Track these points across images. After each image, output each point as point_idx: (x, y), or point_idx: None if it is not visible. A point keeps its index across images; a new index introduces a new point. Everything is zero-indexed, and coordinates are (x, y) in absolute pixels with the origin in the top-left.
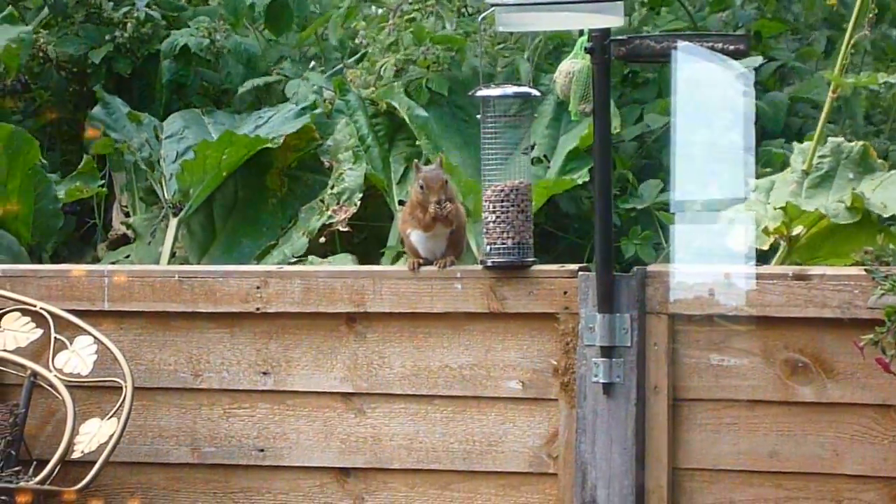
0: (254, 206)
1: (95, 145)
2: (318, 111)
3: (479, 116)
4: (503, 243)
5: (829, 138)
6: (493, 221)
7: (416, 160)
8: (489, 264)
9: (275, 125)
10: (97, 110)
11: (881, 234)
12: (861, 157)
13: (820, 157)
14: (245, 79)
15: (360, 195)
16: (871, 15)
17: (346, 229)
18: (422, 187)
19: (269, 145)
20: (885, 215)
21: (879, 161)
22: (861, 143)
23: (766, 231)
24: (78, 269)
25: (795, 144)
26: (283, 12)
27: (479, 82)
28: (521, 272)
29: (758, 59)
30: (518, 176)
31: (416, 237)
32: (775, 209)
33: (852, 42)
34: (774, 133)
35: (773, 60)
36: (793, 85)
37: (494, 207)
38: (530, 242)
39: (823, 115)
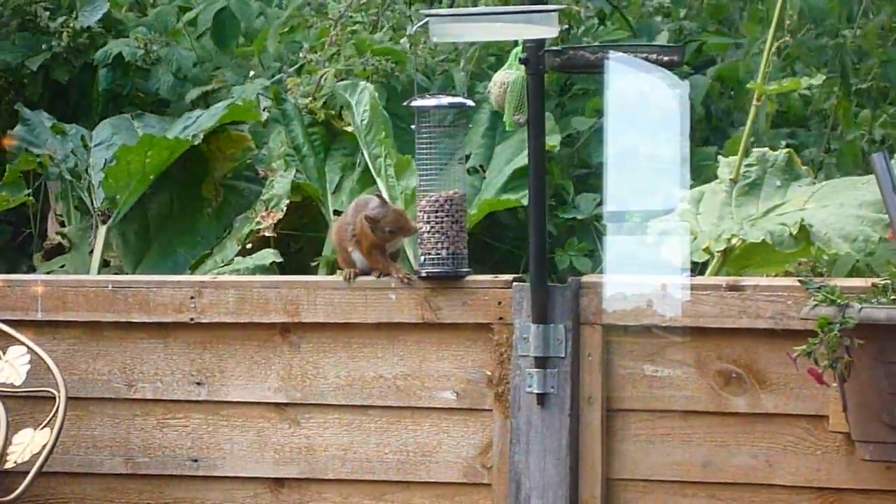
0: (189, 215)
1: (18, 162)
2: (238, 102)
3: (413, 127)
4: (437, 254)
5: (754, 149)
6: (428, 232)
7: (377, 191)
8: (423, 275)
9: (201, 123)
10: (18, 129)
11: (813, 246)
12: (786, 164)
13: (747, 166)
14: (174, 88)
15: (287, 201)
16: (788, 22)
17: (271, 234)
18: (391, 231)
19: (193, 143)
20: (830, 251)
21: (805, 168)
22: (785, 151)
23: (707, 251)
24: (11, 278)
25: (721, 158)
26: (228, 26)
27: (417, 91)
28: (456, 283)
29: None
30: (453, 186)
31: (358, 256)
32: (720, 237)
33: (774, 48)
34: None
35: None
36: (733, 99)
37: (429, 218)
38: (465, 253)
39: (748, 124)
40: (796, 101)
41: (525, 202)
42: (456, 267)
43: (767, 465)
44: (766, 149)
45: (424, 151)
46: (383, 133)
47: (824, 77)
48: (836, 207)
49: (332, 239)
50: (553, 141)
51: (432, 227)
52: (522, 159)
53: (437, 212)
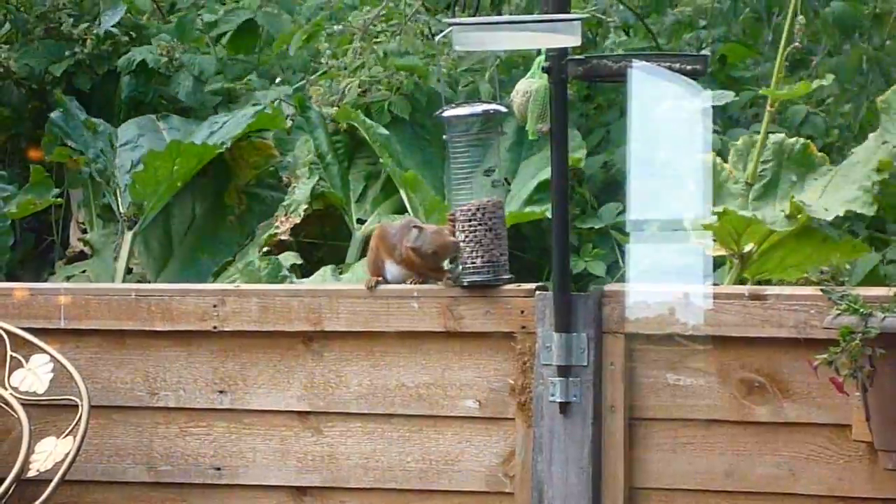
0: (212, 222)
1: (53, 153)
2: (266, 110)
3: (445, 137)
4: (472, 262)
5: (771, 135)
6: (463, 241)
7: (414, 222)
8: (464, 283)
9: (229, 129)
10: (56, 115)
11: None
12: (802, 153)
13: (763, 162)
14: (195, 93)
15: (306, 206)
16: (798, 27)
17: (287, 238)
18: (434, 253)
19: (220, 150)
20: (828, 219)
21: (820, 155)
22: (801, 139)
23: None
24: (34, 286)
25: (731, 145)
26: (248, 37)
27: (440, 103)
28: (479, 291)
29: (729, 94)
30: (484, 195)
31: (390, 266)
32: (713, 213)
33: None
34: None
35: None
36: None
37: (463, 227)
38: (503, 260)
39: (763, 127)
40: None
41: (549, 215)
42: (495, 274)
43: (790, 474)
44: (782, 135)
45: (458, 162)
46: (387, 156)
47: (833, 78)
48: (844, 193)
49: (372, 243)
50: (578, 154)
51: (467, 237)
52: (546, 173)
53: (470, 221)
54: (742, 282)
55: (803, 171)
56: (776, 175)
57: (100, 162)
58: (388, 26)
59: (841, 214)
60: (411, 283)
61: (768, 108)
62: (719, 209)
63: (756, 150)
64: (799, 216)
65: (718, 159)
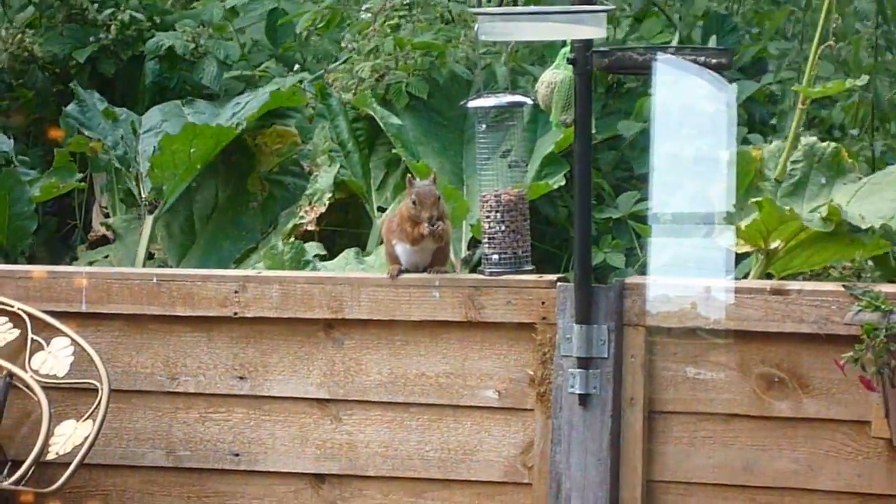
0: (235, 209)
1: (69, 143)
2: (282, 89)
3: (480, 126)
4: (495, 253)
5: (802, 138)
6: (486, 231)
7: (409, 175)
8: (487, 273)
9: (249, 110)
10: (72, 107)
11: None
12: (833, 158)
13: (793, 162)
14: (219, 79)
15: (330, 195)
16: (834, 25)
17: (313, 227)
18: (414, 203)
19: (237, 132)
20: (863, 227)
21: (850, 161)
22: (833, 144)
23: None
24: (55, 269)
25: (765, 146)
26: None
27: (458, 86)
28: (500, 282)
29: (754, 85)
30: (507, 179)
31: (401, 249)
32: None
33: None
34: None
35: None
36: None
37: (487, 216)
38: (525, 251)
39: (794, 124)
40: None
41: (556, 186)
42: (517, 265)
43: (809, 469)
44: (814, 139)
45: (480, 147)
46: (400, 145)
47: (868, 78)
48: (877, 201)
49: (382, 232)
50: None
51: (490, 227)
52: (549, 147)
53: (493, 211)
54: (767, 277)
55: (833, 174)
56: (805, 176)
57: (119, 149)
58: (406, 9)
59: (877, 227)
60: (433, 272)
61: (800, 105)
62: (757, 199)
63: (787, 147)
64: (835, 220)
65: (755, 153)
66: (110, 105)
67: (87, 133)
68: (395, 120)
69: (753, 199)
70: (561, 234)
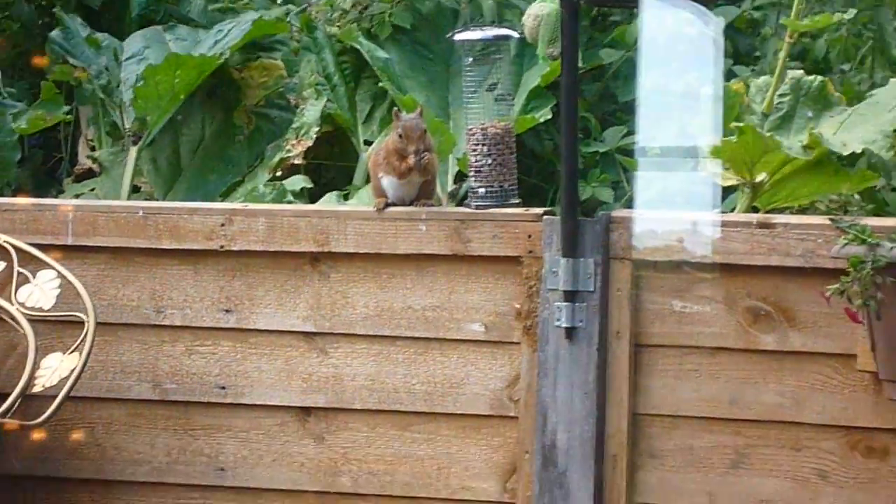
0: (221, 142)
1: (55, 72)
2: (265, 17)
3: (466, 60)
4: (481, 186)
5: (789, 72)
6: (472, 164)
7: (395, 108)
8: (473, 206)
9: (233, 37)
10: (55, 33)
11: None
12: (820, 92)
13: (780, 95)
14: (206, 12)
15: (317, 129)
16: None
17: (301, 161)
18: (400, 136)
19: (219, 62)
20: (845, 153)
21: (836, 94)
22: (820, 77)
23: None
24: (41, 202)
25: (752, 81)
26: None
27: (443, 18)
28: (487, 215)
29: (735, 11)
30: (493, 112)
31: (388, 182)
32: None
33: None
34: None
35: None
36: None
37: (474, 150)
38: (512, 184)
39: (781, 57)
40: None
41: (542, 120)
42: (503, 199)
43: (794, 402)
44: (801, 72)
45: (466, 80)
46: (387, 79)
47: (856, 12)
48: (861, 131)
49: (369, 166)
50: None
51: (476, 160)
52: (535, 80)
53: (480, 144)
54: (754, 211)
55: (819, 108)
56: (792, 109)
57: (103, 78)
58: None
59: (858, 151)
60: (419, 206)
61: (787, 38)
62: (739, 124)
63: (774, 81)
64: (816, 149)
65: (736, 87)
66: (93, 31)
67: (71, 61)
68: (381, 53)
69: (735, 124)
70: (548, 168)
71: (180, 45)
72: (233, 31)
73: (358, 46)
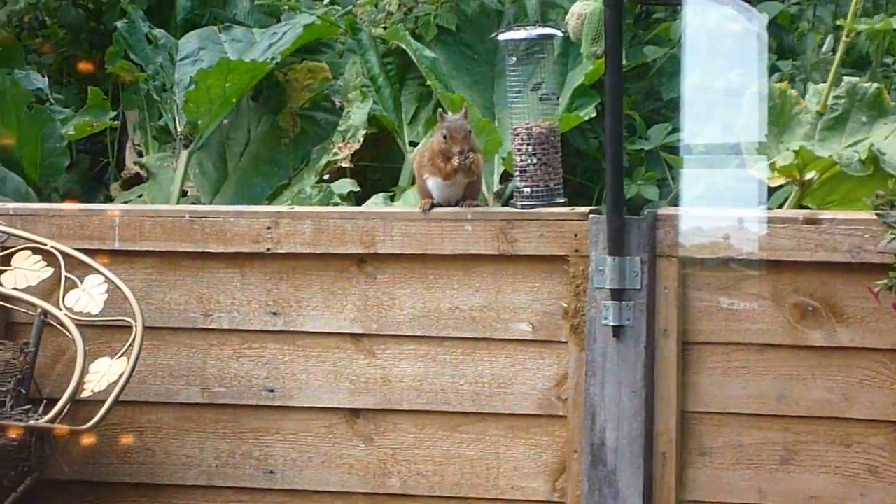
0: (266, 145)
1: (115, 66)
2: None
3: (510, 59)
4: (527, 186)
5: (845, 78)
6: (518, 164)
7: (440, 109)
8: (518, 206)
9: (286, 42)
10: (122, 25)
11: (892, 180)
12: (875, 99)
13: (835, 97)
14: (251, 13)
15: (364, 132)
16: None
17: (348, 165)
18: (445, 137)
19: (271, 66)
20: None
21: (893, 104)
22: (876, 84)
23: (772, 166)
24: (88, 207)
25: (811, 85)
26: None
27: (487, 19)
28: (533, 214)
29: (778, 6)
30: (537, 112)
31: (433, 183)
32: (787, 150)
33: None
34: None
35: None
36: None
37: (519, 149)
38: (557, 183)
39: (837, 57)
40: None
41: (587, 118)
42: (549, 198)
43: (843, 398)
44: (857, 79)
45: (511, 80)
46: (434, 78)
47: None
48: None
49: (414, 167)
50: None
51: (522, 160)
52: (580, 78)
53: (525, 143)
54: (803, 209)
55: (874, 114)
56: (846, 112)
57: (158, 78)
58: None
59: None
60: (465, 206)
61: (843, 38)
62: (795, 147)
63: (829, 81)
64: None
65: (791, 90)
66: (152, 28)
67: (132, 58)
68: (428, 53)
69: (791, 148)
70: (593, 166)
71: (235, 46)
72: (287, 34)
73: (405, 46)
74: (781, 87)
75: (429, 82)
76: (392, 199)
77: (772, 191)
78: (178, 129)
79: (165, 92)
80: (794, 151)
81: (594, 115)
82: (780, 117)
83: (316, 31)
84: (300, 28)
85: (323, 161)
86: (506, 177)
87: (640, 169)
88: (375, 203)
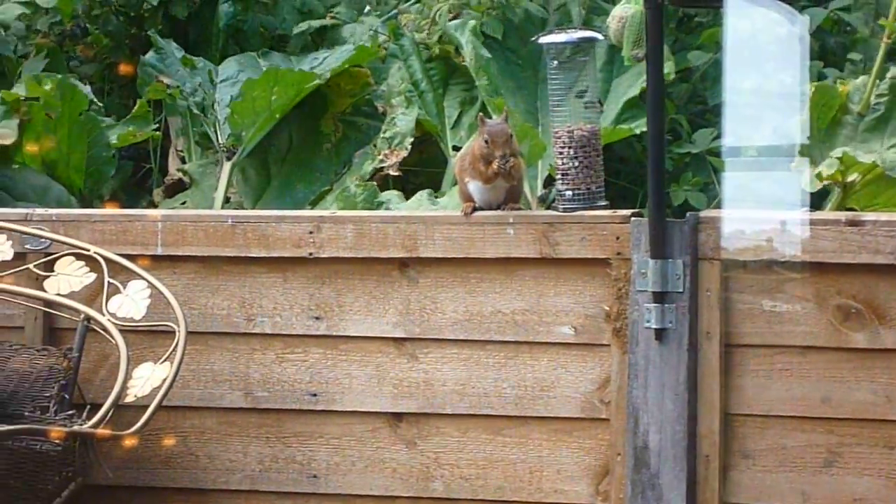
0: (308, 151)
1: (148, 90)
2: (367, 44)
3: (552, 63)
4: (569, 189)
5: (888, 73)
6: (560, 167)
7: (480, 113)
8: (560, 209)
9: (329, 64)
10: (150, 56)
11: None
12: None
13: (878, 96)
14: (294, 23)
15: (412, 139)
16: None
17: (396, 173)
18: (486, 141)
19: (318, 81)
20: None
21: None
22: None
23: (818, 176)
24: (131, 213)
25: (851, 81)
26: None
27: (532, 26)
28: (575, 218)
29: (822, 13)
30: (580, 118)
31: (474, 187)
32: (830, 157)
33: None
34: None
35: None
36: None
37: (560, 153)
38: (599, 186)
39: (879, 57)
40: None
41: (638, 132)
42: (591, 201)
43: (887, 400)
44: None
45: (553, 85)
46: (485, 79)
47: None
48: None
49: (455, 171)
50: (667, 68)
51: (564, 163)
52: (634, 90)
53: (567, 147)
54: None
55: None
56: (889, 110)
57: (198, 95)
58: None
59: None
60: (507, 209)
61: (885, 39)
62: (838, 153)
63: (871, 80)
64: None
65: (842, 88)
66: (188, 54)
67: (165, 80)
68: (484, 52)
69: (834, 155)
70: (636, 170)
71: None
72: (329, 59)
73: (462, 41)
74: (837, 88)
75: (478, 82)
76: (437, 196)
77: (814, 194)
78: (221, 143)
79: (205, 108)
80: (838, 159)
81: (645, 129)
82: (822, 119)
83: (367, 52)
84: (350, 49)
85: (367, 167)
86: (550, 182)
87: (687, 174)
88: (420, 200)
